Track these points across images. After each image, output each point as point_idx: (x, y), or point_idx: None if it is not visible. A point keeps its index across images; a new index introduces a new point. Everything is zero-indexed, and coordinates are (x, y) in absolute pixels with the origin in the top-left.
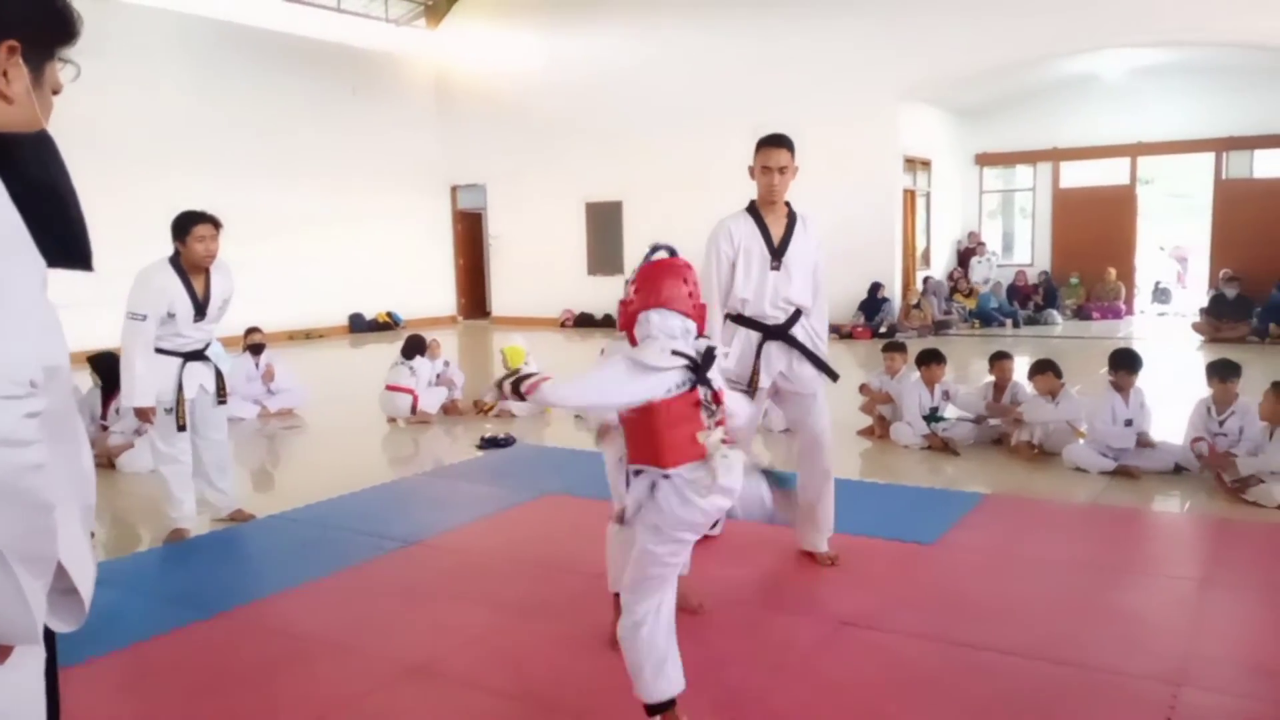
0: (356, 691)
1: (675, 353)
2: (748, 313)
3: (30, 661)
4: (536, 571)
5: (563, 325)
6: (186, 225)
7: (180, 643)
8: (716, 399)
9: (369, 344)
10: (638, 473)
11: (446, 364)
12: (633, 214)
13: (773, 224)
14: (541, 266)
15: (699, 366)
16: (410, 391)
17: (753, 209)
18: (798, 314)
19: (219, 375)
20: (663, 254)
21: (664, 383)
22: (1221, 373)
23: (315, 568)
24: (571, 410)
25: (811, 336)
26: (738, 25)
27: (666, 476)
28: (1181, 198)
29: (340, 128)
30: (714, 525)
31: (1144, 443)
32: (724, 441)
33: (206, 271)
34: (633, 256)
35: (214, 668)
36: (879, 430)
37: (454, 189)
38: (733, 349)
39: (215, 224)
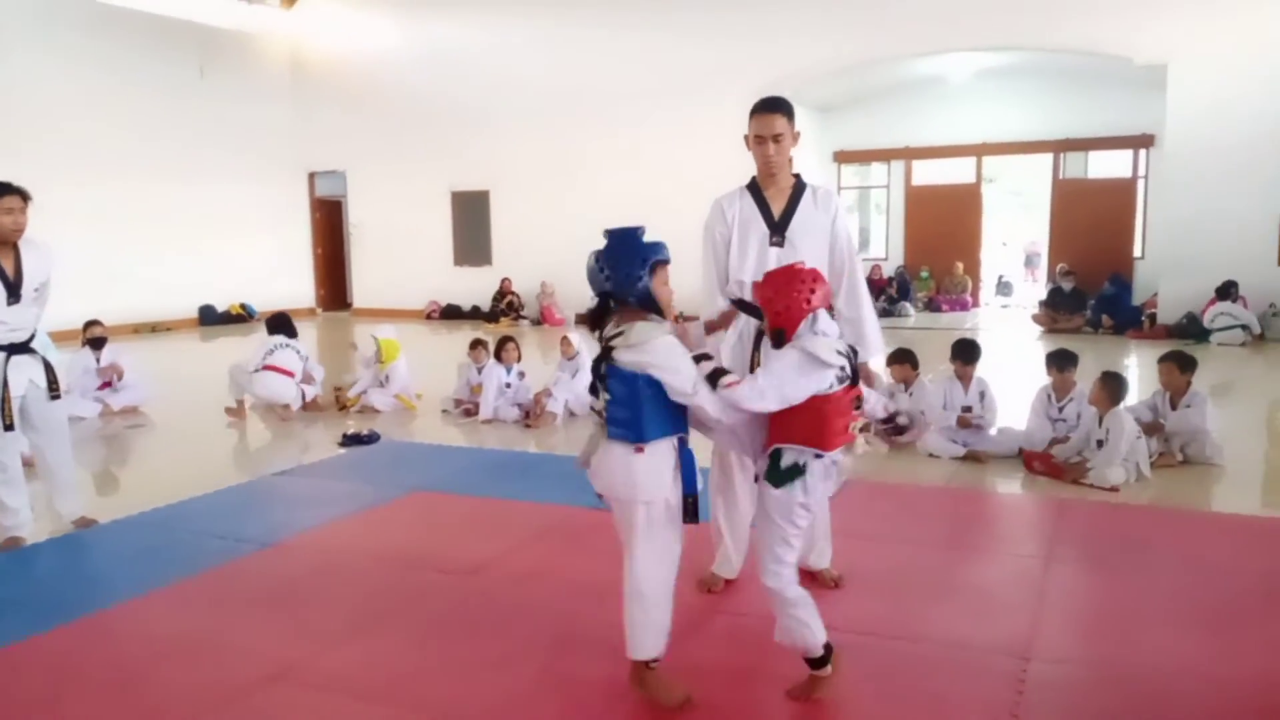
0: (213, 701)
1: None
2: (748, 297)
3: None
4: (403, 571)
5: (429, 317)
6: None
7: (16, 657)
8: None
9: (221, 337)
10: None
11: (306, 358)
12: (500, 204)
13: (774, 198)
14: (406, 256)
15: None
16: (292, 374)
17: (753, 184)
18: None
19: (49, 368)
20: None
21: (828, 378)
22: (1060, 362)
23: (164, 573)
24: (752, 411)
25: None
26: (601, 18)
27: (819, 456)
28: (1017, 195)
29: (188, 109)
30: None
31: (966, 423)
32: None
33: (16, 248)
34: (501, 247)
35: (55, 682)
36: None
37: (311, 175)
38: (727, 338)
39: (23, 196)
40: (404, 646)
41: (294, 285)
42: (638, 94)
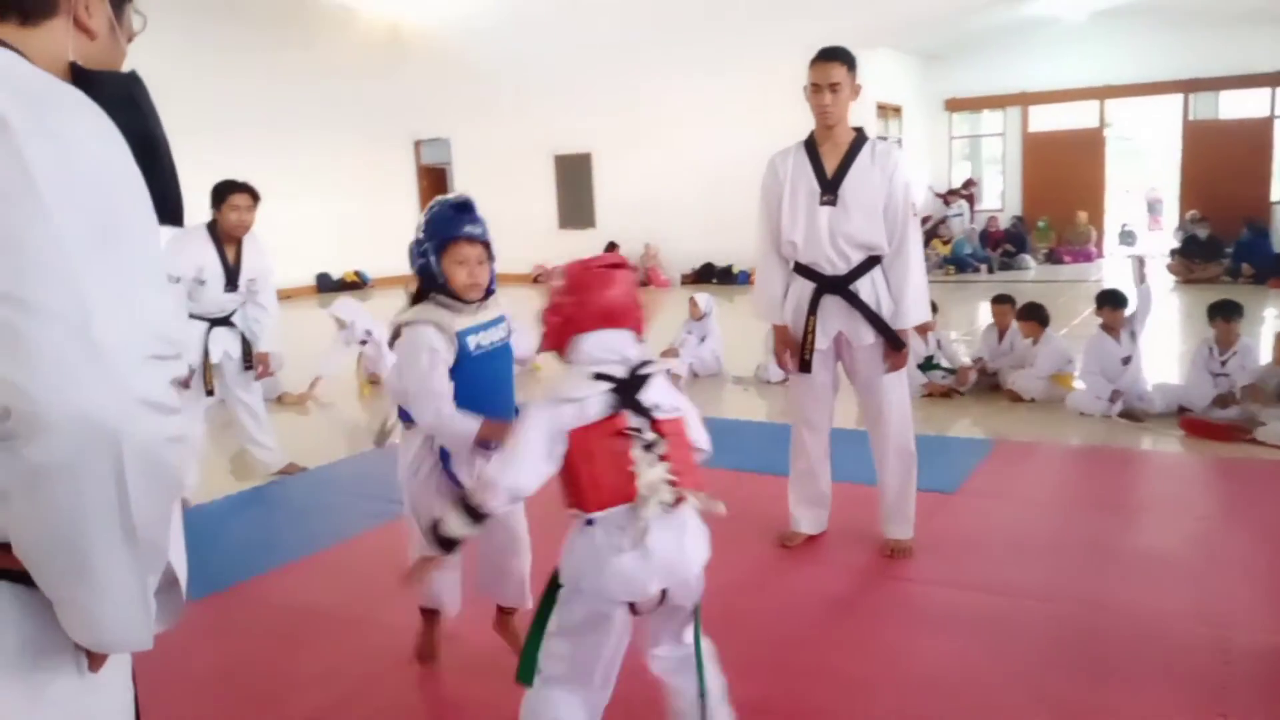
0: (358, 677)
1: (599, 376)
2: (801, 259)
3: (118, 672)
4: None
5: (535, 280)
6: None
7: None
8: (658, 428)
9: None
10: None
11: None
12: (602, 167)
13: (828, 153)
14: (510, 221)
15: (626, 386)
16: None
17: (810, 140)
18: (870, 262)
19: (245, 341)
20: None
21: (584, 412)
22: (1225, 313)
23: (317, 539)
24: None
25: (877, 293)
26: None
27: (590, 523)
28: (1127, 140)
29: (292, 80)
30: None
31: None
32: (672, 484)
33: (239, 243)
34: (604, 210)
35: (219, 649)
36: None
37: (417, 143)
38: (788, 303)
39: (253, 195)
40: None
41: (403, 253)
42: (722, 47)
